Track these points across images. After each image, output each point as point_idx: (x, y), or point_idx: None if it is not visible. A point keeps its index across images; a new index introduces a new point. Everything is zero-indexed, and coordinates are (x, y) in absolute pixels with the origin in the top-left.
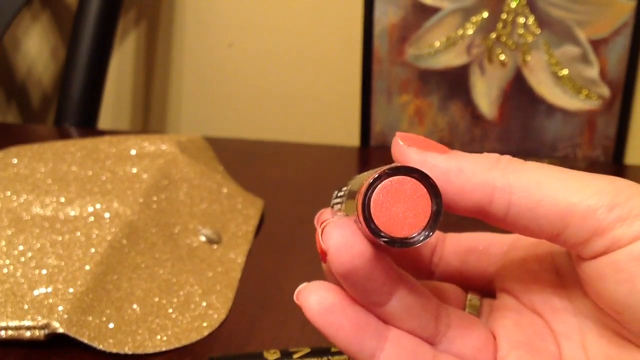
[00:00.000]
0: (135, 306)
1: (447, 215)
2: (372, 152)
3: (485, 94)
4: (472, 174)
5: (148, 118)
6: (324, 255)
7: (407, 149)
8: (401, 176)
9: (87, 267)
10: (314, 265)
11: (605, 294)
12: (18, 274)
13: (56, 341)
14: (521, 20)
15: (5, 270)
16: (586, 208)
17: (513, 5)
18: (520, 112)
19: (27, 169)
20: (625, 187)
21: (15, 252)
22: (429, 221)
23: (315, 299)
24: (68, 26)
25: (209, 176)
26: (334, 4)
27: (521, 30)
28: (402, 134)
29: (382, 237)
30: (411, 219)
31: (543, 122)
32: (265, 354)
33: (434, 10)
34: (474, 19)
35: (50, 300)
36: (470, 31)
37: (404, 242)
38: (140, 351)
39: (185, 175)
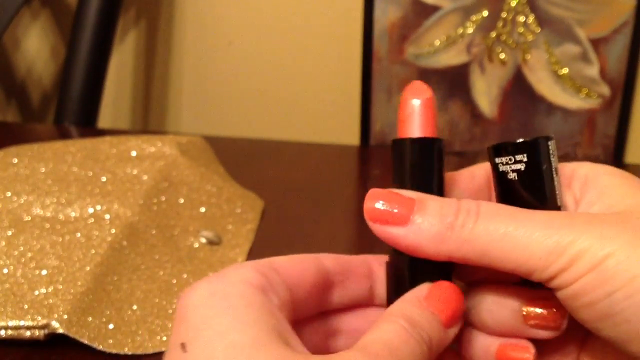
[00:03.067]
0: (135, 307)
1: None
2: (372, 151)
3: (485, 93)
4: (428, 249)
5: (148, 117)
6: None
7: (372, 226)
8: None
9: (87, 268)
10: None
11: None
12: (18, 274)
13: (56, 341)
14: (521, 19)
15: (5, 271)
16: (534, 264)
17: (513, 3)
18: (520, 111)
19: (27, 169)
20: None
21: (16, 253)
22: None
23: None
24: (68, 25)
25: (209, 179)
26: (334, 3)
27: (521, 29)
28: (369, 198)
29: None
30: None
31: (543, 121)
32: None
33: (433, 9)
34: (474, 17)
35: (50, 301)
36: (470, 30)
37: None
38: (140, 352)
39: (185, 178)
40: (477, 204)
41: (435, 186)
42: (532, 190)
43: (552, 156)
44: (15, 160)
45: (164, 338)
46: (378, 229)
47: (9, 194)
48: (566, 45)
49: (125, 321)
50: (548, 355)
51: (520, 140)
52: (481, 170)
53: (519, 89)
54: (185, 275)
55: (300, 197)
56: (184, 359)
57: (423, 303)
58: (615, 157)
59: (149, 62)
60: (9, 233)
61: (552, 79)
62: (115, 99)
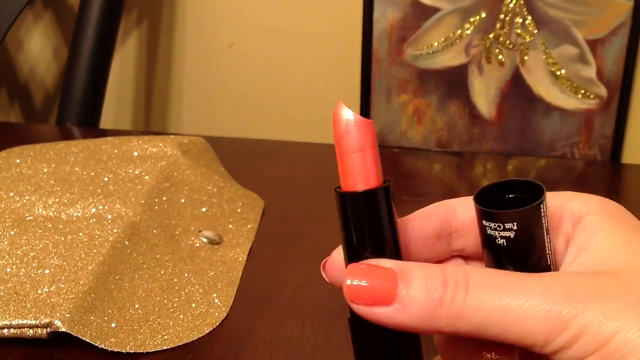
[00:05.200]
0: (137, 306)
1: None
2: None
3: (484, 94)
4: (418, 326)
5: (149, 117)
6: None
7: (354, 307)
8: None
9: (90, 267)
10: (314, 263)
11: None
12: (21, 273)
13: (58, 340)
14: (519, 20)
15: (8, 270)
16: (534, 341)
17: (511, 5)
18: (518, 112)
19: (30, 169)
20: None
21: (19, 252)
22: None
23: None
24: (70, 26)
25: (210, 179)
26: (334, 4)
27: (519, 31)
28: (348, 275)
29: None
30: None
31: (541, 122)
32: None
33: (432, 10)
34: (472, 19)
35: (53, 300)
36: (468, 31)
37: None
38: (141, 350)
39: (187, 178)
40: (464, 274)
41: (390, 239)
42: (521, 255)
43: (543, 218)
44: (18, 161)
45: (166, 337)
46: (361, 310)
47: (11, 193)
48: (564, 47)
49: (127, 320)
50: None
51: (509, 210)
52: (437, 215)
53: (517, 90)
54: (186, 275)
55: (301, 197)
56: None
57: None
58: (613, 157)
59: (151, 63)
60: (12, 232)
61: (549, 79)
62: (118, 100)
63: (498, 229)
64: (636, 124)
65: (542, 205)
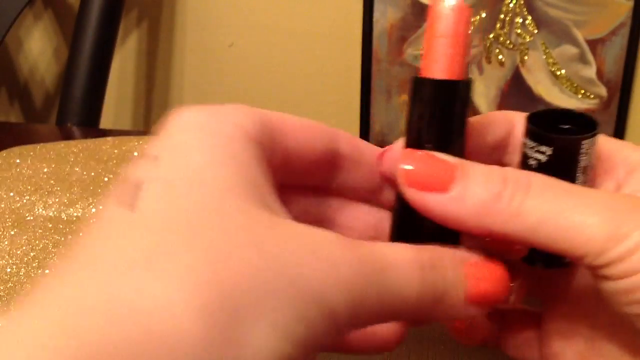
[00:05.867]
0: None
1: None
2: None
3: (484, 94)
4: (469, 221)
5: (149, 117)
6: None
7: (406, 191)
8: None
9: None
10: None
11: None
12: (21, 273)
13: None
14: (519, 20)
15: (8, 270)
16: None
17: (511, 5)
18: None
19: (30, 169)
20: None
21: (19, 252)
22: None
23: None
24: (70, 26)
25: None
26: (334, 4)
27: (519, 31)
28: (404, 159)
29: None
30: None
31: None
32: None
33: None
34: (472, 19)
35: None
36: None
37: None
38: None
39: None
40: (526, 175)
41: (458, 137)
42: None
43: (582, 155)
44: (18, 161)
45: None
46: (413, 194)
47: (12, 193)
48: (564, 47)
49: None
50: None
51: (550, 134)
52: (500, 125)
53: (517, 90)
54: None
55: None
56: (149, 170)
57: (464, 264)
58: None
59: (151, 63)
60: (12, 232)
61: (549, 80)
62: (118, 100)
63: (534, 148)
64: (636, 124)
65: (584, 142)
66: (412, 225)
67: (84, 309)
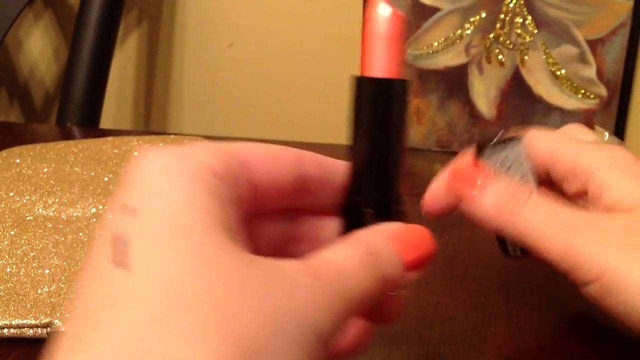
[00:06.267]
0: None
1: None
2: None
3: (484, 94)
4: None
5: (150, 118)
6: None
7: (453, 182)
8: None
9: None
10: None
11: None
12: (21, 273)
13: None
14: (519, 20)
15: (8, 270)
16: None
17: (511, 5)
18: (519, 112)
19: (30, 169)
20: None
21: (19, 252)
22: None
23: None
24: (70, 26)
25: None
26: (334, 4)
27: (519, 30)
28: (460, 164)
29: None
30: None
31: (541, 122)
32: None
33: (432, 10)
34: (472, 19)
35: (53, 299)
36: (468, 31)
37: None
38: None
39: None
40: (529, 192)
41: (398, 134)
42: None
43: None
44: (18, 161)
45: None
46: (457, 185)
47: (11, 193)
48: (564, 47)
49: None
50: None
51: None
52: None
53: (517, 90)
54: None
55: None
56: (126, 223)
57: (391, 239)
58: None
59: (151, 63)
60: (12, 232)
61: (550, 80)
62: (118, 100)
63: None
64: (636, 124)
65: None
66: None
67: None
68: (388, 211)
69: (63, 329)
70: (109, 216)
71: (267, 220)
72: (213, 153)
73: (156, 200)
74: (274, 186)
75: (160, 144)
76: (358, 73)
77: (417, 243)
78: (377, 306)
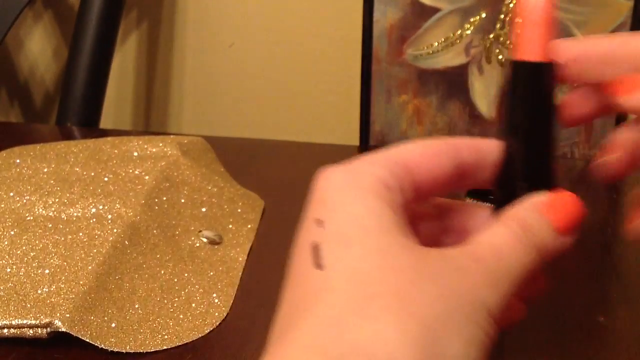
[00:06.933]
0: (137, 306)
1: None
2: (371, 151)
3: (484, 94)
4: None
5: (149, 117)
6: None
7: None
8: None
9: (90, 267)
10: None
11: None
12: (21, 273)
13: (58, 340)
14: (519, 20)
15: (8, 270)
16: None
17: (511, 5)
18: None
19: (30, 169)
20: None
21: (19, 252)
22: None
23: None
24: (70, 26)
25: (210, 179)
26: (334, 4)
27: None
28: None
29: None
30: None
31: None
32: None
33: (432, 10)
34: (472, 19)
35: (53, 299)
36: (468, 31)
37: None
38: (141, 350)
39: (187, 178)
40: None
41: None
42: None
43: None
44: (18, 161)
45: (166, 336)
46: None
47: (12, 193)
48: None
49: (127, 320)
50: None
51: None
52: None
53: None
54: (186, 275)
55: (301, 197)
56: (320, 233)
57: (541, 209)
58: None
59: (151, 63)
60: (12, 232)
61: None
62: (118, 100)
63: None
64: None
65: None
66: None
67: (322, 354)
68: (543, 184)
69: (63, 329)
70: (304, 230)
71: (422, 217)
72: (380, 165)
73: (340, 212)
74: (435, 180)
75: (160, 144)
76: (512, 57)
77: (565, 207)
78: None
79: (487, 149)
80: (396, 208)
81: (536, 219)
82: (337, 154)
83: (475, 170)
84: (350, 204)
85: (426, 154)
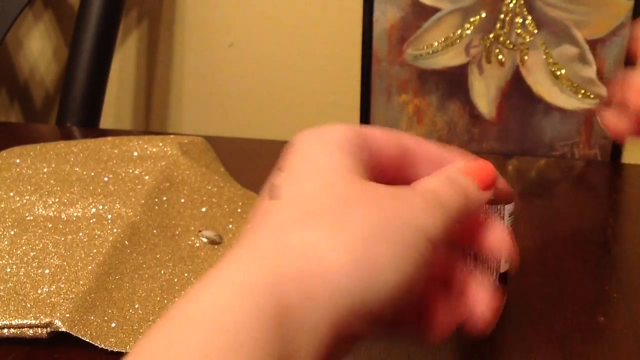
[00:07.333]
0: (137, 305)
1: None
2: None
3: (484, 94)
4: None
5: (149, 117)
6: None
7: None
8: None
9: (90, 267)
10: None
11: None
12: (21, 273)
13: (58, 340)
14: (519, 20)
15: (8, 270)
16: None
17: (511, 5)
18: (519, 112)
19: (30, 169)
20: None
21: (19, 252)
22: None
23: None
24: (70, 26)
25: (210, 179)
26: (334, 4)
27: (519, 30)
28: None
29: None
30: None
31: (541, 122)
32: None
33: (433, 10)
34: (472, 19)
35: (53, 299)
36: (468, 31)
37: None
38: None
39: (187, 178)
40: None
41: None
42: None
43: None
44: (18, 161)
45: None
46: None
47: (11, 193)
48: (564, 47)
49: (127, 320)
50: None
51: None
52: None
53: (517, 90)
54: (186, 275)
55: None
56: (279, 176)
57: (461, 169)
58: (613, 157)
59: (151, 63)
60: (12, 232)
61: (550, 80)
62: (117, 100)
63: None
64: None
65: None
66: None
67: (268, 254)
68: None
69: (63, 329)
70: (270, 176)
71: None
72: (346, 127)
73: (298, 158)
74: (387, 155)
75: (160, 144)
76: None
77: (482, 170)
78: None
79: (427, 143)
80: (357, 159)
81: (460, 175)
82: None
83: (418, 160)
84: (308, 150)
85: (380, 133)
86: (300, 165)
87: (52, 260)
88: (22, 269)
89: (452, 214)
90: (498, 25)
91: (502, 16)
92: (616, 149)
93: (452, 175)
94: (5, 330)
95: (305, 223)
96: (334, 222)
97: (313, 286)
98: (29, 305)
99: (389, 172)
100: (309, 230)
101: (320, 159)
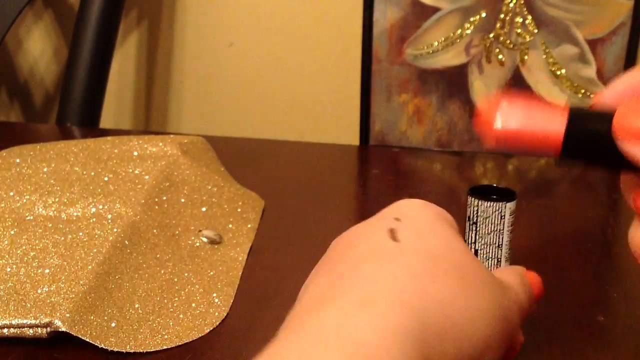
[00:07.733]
0: (137, 305)
1: None
2: (371, 150)
3: (484, 94)
4: None
5: (149, 117)
6: None
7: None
8: None
9: (90, 267)
10: (314, 262)
11: None
12: (21, 272)
13: (58, 339)
14: (519, 20)
15: (8, 269)
16: None
17: (511, 5)
18: None
19: (30, 169)
20: None
21: (19, 252)
22: None
23: None
24: (70, 26)
25: (210, 179)
26: (334, 4)
27: (519, 30)
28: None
29: None
30: None
31: None
32: None
33: (433, 10)
34: (472, 19)
35: (53, 299)
36: (468, 31)
37: None
38: (141, 349)
39: (187, 177)
40: None
41: None
42: None
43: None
44: (18, 160)
45: (166, 336)
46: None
47: (11, 193)
48: (564, 46)
49: (127, 320)
50: None
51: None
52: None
53: (517, 90)
54: (186, 274)
55: (301, 196)
56: (396, 224)
57: (524, 278)
58: None
59: (151, 62)
60: (12, 232)
61: (550, 79)
62: (117, 100)
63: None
64: None
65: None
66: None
67: (413, 301)
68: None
69: (63, 329)
70: (377, 224)
71: None
72: (442, 210)
73: (413, 215)
74: None
75: (160, 144)
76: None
77: (535, 281)
78: None
79: None
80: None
81: (525, 280)
82: (337, 153)
83: None
84: (421, 213)
85: None
86: (417, 220)
87: (52, 260)
88: (22, 269)
89: (524, 312)
90: (498, 25)
91: (502, 16)
92: None
93: (524, 279)
94: (5, 330)
95: (426, 281)
96: (461, 286)
97: (448, 343)
98: (29, 305)
99: None
100: (433, 290)
101: (434, 220)
